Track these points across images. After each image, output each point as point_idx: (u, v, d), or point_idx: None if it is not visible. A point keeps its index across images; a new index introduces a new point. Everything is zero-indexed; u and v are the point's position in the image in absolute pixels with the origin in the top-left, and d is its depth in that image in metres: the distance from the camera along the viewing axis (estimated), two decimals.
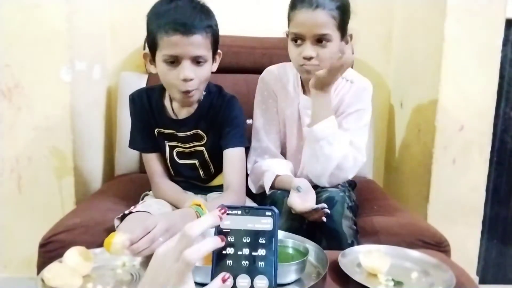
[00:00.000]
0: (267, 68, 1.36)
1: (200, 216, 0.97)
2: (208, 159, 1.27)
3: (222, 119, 1.22)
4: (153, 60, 1.14)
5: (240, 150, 1.23)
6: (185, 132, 1.23)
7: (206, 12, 1.12)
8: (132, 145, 1.29)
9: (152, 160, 1.26)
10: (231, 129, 1.22)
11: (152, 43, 1.11)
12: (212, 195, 1.31)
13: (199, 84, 1.12)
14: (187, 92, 1.11)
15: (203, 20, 1.09)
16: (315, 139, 1.18)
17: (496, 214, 1.75)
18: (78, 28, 1.51)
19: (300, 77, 1.30)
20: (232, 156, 1.21)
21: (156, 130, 1.25)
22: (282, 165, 1.29)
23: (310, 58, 1.14)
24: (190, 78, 1.08)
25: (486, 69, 1.51)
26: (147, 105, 1.24)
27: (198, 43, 1.07)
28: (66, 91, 1.46)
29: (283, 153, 1.36)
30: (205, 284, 0.79)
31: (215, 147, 1.24)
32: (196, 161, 1.27)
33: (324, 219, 1.09)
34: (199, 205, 1.03)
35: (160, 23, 1.07)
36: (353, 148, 1.23)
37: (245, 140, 1.25)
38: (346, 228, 1.12)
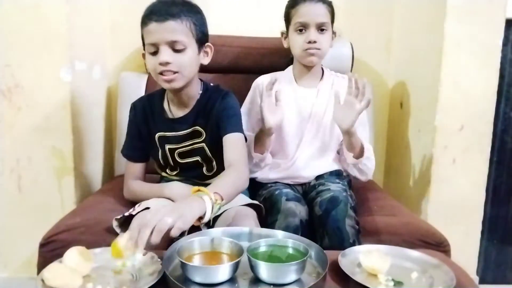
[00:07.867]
0: (258, 78, 1.46)
1: (204, 199, 0.91)
2: (210, 155, 1.28)
3: (218, 111, 1.24)
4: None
5: (239, 135, 1.21)
6: (183, 130, 1.25)
7: (188, 6, 1.17)
8: (124, 151, 1.33)
9: (135, 167, 1.31)
10: (228, 118, 1.23)
11: (142, 39, 1.18)
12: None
13: (179, 68, 1.14)
14: (166, 76, 1.14)
15: (182, 11, 1.13)
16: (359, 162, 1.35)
17: (496, 214, 1.75)
18: (78, 28, 1.51)
19: (293, 72, 1.44)
20: (232, 139, 1.20)
21: (157, 135, 1.27)
22: None
23: (314, 42, 1.32)
24: (166, 61, 1.12)
25: (486, 69, 1.51)
26: (148, 109, 1.29)
27: (173, 29, 1.11)
28: (66, 91, 1.46)
29: (278, 151, 1.43)
30: (206, 284, 0.79)
31: (215, 141, 1.24)
32: (198, 158, 1.28)
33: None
34: (198, 190, 0.95)
35: (142, 17, 1.15)
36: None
37: (242, 128, 1.24)
38: (349, 227, 1.14)
